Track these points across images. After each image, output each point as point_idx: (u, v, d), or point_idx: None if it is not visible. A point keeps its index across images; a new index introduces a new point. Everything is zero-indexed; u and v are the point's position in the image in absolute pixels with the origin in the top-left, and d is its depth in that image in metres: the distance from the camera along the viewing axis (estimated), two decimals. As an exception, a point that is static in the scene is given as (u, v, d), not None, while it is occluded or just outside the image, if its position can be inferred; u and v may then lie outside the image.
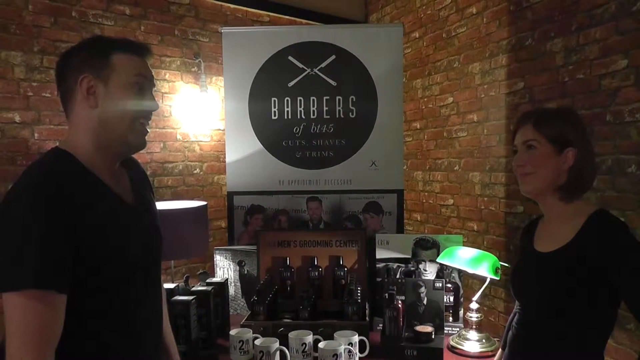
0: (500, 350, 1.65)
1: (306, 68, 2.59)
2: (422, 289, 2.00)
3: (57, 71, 1.17)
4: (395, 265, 2.21)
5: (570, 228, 1.27)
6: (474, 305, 1.94)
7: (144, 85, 1.19)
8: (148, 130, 1.22)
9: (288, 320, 1.98)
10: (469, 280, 3.10)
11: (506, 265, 2.00)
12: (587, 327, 1.26)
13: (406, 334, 1.91)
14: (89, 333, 1.10)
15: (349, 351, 1.75)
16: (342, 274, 2.17)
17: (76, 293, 1.05)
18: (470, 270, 1.92)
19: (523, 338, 1.39)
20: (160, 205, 2.44)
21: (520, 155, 1.35)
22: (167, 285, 1.96)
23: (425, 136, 4.01)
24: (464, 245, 2.11)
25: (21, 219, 1.00)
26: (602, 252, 1.20)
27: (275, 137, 2.59)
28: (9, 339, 0.98)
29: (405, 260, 2.21)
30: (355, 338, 1.78)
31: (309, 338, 1.78)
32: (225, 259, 2.44)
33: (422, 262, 2.19)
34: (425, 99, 4.00)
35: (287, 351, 1.75)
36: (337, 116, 2.59)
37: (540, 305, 1.33)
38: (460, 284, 2.13)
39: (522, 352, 1.39)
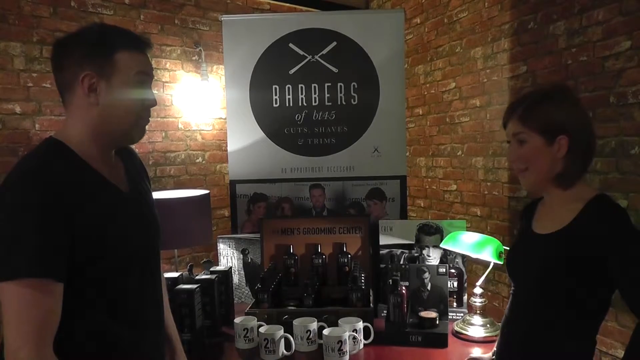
0: (500, 331, 1.65)
1: (307, 55, 2.57)
2: (426, 275, 2.00)
3: (54, 59, 1.15)
4: (399, 251, 2.21)
5: (568, 211, 1.25)
6: (477, 290, 1.95)
7: (145, 81, 1.19)
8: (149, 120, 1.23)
9: (292, 308, 1.98)
10: (473, 266, 3.09)
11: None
12: (579, 312, 1.25)
13: (410, 320, 1.91)
14: (88, 322, 1.10)
15: (354, 338, 1.75)
16: (345, 260, 2.17)
17: (75, 282, 1.05)
18: (473, 255, 1.91)
19: (514, 319, 1.39)
20: (163, 195, 2.45)
21: (512, 150, 1.33)
22: (171, 274, 1.97)
23: (428, 122, 4.00)
24: (467, 231, 2.11)
25: (15, 208, 1.00)
26: (599, 239, 1.18)
27: (277, 125, 2.58)
28: (7, 329, 0.97)
29: (408, 246, 2.21)
30: (360, 324, 1.78)
31: (314, 325, 1.78)
32: (229, 247, 2.44)
33: (426, 248, 2.18)
34: (428, 85, 3.98)
35: (291, 338, 1.75)
36: (339, 103, 2.57)
37: (532, 287, 1.32)
38: (464, 269, 2.13)
39: (514, 333, 1.38)
